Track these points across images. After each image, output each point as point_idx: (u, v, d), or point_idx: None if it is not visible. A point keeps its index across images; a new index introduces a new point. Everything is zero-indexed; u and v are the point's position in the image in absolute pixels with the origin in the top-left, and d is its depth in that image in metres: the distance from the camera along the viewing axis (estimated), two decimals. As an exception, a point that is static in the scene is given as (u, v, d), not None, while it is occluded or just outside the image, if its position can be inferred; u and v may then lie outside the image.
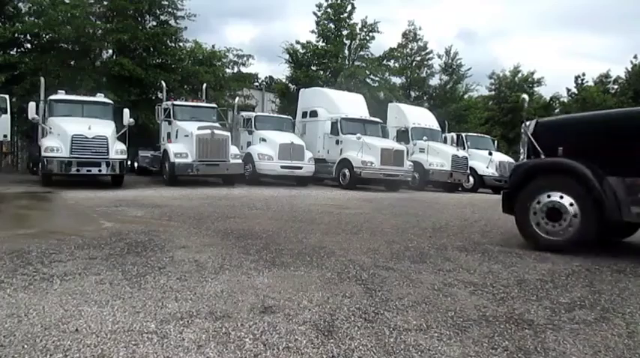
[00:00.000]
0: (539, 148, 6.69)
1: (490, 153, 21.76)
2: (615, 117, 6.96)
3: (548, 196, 6.26)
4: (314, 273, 4.81)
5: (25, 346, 2.88)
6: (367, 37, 31.51)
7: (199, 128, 15.35)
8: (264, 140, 17.52)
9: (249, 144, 17.97)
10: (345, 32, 30.91)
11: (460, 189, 20.93)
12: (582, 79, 40.40)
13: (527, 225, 6.47)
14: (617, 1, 61.62)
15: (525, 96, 8.62)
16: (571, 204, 6.10)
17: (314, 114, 19.86)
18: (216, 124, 16.47)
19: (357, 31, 31.20)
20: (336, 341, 3.14)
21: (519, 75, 40.51)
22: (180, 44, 24.66)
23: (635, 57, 39.43)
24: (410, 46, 36.20)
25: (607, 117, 7.26)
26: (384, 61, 32.70)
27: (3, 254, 5.12)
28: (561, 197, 6.18)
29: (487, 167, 21.34)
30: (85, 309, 3.54)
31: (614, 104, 37.25)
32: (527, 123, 7.12)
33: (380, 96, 29.17)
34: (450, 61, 37.62)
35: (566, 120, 8.48)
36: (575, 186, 6.09)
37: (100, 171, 13.51)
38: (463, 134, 23.53)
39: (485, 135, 26.00)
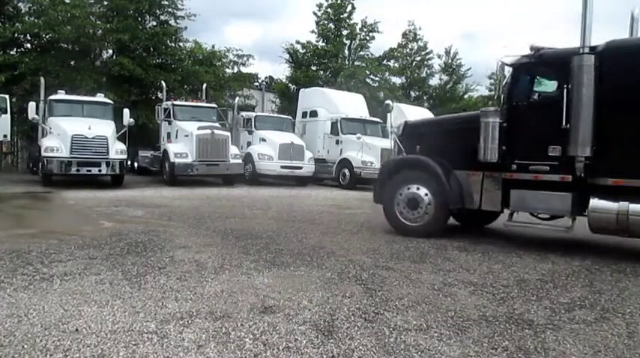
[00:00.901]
0: (401, 146, 7.86)
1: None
2: (457, 119, 8.28)
3: (408, 188, 7.20)
4: (314, 273, 4.81)
5: (25, 346, 2.88)
6: (367, 37, 31.50)
7: (199, 128, 15.35)
8: (264, 140, 17.51)
9: (249, 144, 17.96)
10: (345, 32, 30.88)
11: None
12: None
13: (392, 213, 7.38)
14: (618, 1, 61.68)
15: (389, 101, 9.61)
16: (426, 194, 7.05)
17: (314, 114, 19.84)
18: (216, 124, 16.46)
19: (357, 31, 31.18)
20: (336, 341, 3.14)
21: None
22: (181, 44, 24.64)
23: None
24: (410, 46, 36.18)
25: (450, 119, 8.62)
26: (384, 61, 32.68)
27: (3, 254, 5.12)
28: (418, 188, 7.13)
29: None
30: (85, 309, 3.54)
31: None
32: (399, 124, 8.40)
33: (380, 97, 29.16)
34: (449, 61, 37.60)
35: (424, 122, 10.04)
36: (429, 179, 7.05)
37: (100, 171, 13.51)
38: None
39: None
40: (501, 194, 6.58)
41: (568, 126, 5.88)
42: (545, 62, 6.45)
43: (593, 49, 5.89)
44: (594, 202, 5.88)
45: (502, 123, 6.49)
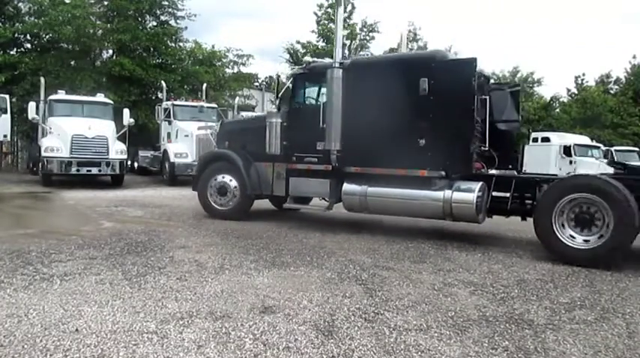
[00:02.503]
0: (214, 142, 9.61)
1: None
2: (253, 119, 10.02)
3: (218, 178, 8.34)
4: (314, 273, 4.81)
5: (25, 346, 2.88)
6: (367, 37, 31.51)
7: (199, 128, 15.34)
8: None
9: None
10: (345, 32, 30.91)
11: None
12: (582, 79, 40.37)
13: (206, 199, 8.46)
14: (619, 1, 61.69)
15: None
16: (231, 181, 8.22)
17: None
18: (216, 124, 16.46)
19: (357, 31, 31.18)
20: (336, 341, 3.14)
21: (518, 75, 40.46)
22: (181, 44, 24.64)
23: (635, 57, 39.46)
24: (410, 46, 36.18)
25: (249, 119, 10.68)
26: (384, 61, 32.68)
27: (3, 254, 5.12)
28: (224, 177, 8.28)
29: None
30: (85, 309, 3.54)
31: (615, 104, 37.25)
32: (220, 122, 10.39)
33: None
34: (449, 61, 37.60)
35: (232, 121, 12.16)
36: (234, 169, 8.20)
37: (100, 171, 13.52)
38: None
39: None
40: (285, 181, 7.80)
41: (325, 125, 7.15)
42: (312, 74, 7.74)
43: (342, 64, 7.21)
44: (345, 186, 7.23)
45: (283, 123, 7.70)
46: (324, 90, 7.47)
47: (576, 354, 3.09)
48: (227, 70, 26.36)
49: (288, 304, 3.82)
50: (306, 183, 7.59)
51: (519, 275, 5.05)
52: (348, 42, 31.42)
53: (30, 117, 14.18)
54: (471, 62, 6.52)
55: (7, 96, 16.29)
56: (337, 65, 7.13)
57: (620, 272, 5.40)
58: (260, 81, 37.05)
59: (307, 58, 8.47)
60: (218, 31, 59.87)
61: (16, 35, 20.97)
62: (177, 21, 23.97)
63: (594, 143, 25.19)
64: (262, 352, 2.93)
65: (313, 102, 7.90)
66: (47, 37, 21.07)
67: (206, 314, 3.54)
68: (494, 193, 6.64)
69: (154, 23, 23.89)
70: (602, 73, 41.16)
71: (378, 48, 32.83)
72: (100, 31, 21.84)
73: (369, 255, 5.76)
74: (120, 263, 4.95)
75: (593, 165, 22.01)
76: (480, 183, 6.50)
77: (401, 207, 6.97)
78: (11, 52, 21.15)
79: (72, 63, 21.33)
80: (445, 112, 6.52)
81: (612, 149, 25.91)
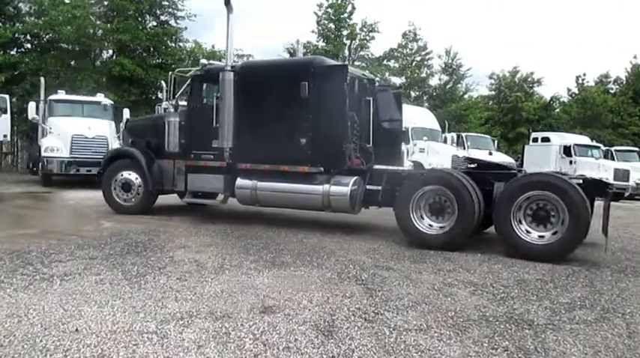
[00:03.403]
0: (121, 140, 9.91)
1: (490, 153, 21.73)
2: (154, 118, 10.16)
3: (122, 174, 8.55)
4: (314, 273, 4.81)
5: (25, 346, 2.88)
6: (367, 37, 31.51)
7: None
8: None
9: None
10: (345, 32, 30.90)
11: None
12: (582, 79, 40.36)
13: (110, 195, 8.64)
14: (619, 1, 61.63)
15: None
16: (137, 179, 8.45)
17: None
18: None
19: (357, 31, 31.19)
20: (336, 341, 3.14)
21: (518, 75, 40.45)
22: (181, 44, 24.66)
23: (635, 57, 39.46)
24: (410, 46, 36.17)
25: (151, 118, 10.98)
26: (384, 61, 32.68)
27: (3, 254, 5.12)
28: (129, 174, 8.50)
29: (487, 167, 21.31)
30: (85, 309, 3.54)
31: (614, 104, 37.23)
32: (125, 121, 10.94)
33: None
34: (450, 61, 37.59)
35: (136, 120, 12.48)
36: (137, 166, 8.44)
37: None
38: (463, 134, 23.52)
39: (486, 135, 25.98)
40: (185, 177, 8.13)
41: (218, 125, 7.51)
42: (207, 76, 8.10)
43: (233, 67, 7.59)
44: (238, 181, 7.62)
45: (181, 122, 8.07)
46: (214, 91, 7.89)
47: (576, 354, 3.09)
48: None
49: (288, 304, 3.82)
50: (203, 178, 8.01)
51: (519, 275, 5.05)
52: (348, 42, 31.46)
53: (30, 117, 14.20)
54: (344, 68, 7.36)
55: (7, 97, 16.30)
56: (229, 69, 7.50)
57: (620, 272, 5.40)
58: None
59: (203, 61, 8.81)
60: (220, 32, 59.81)
61: (16, 35, 20.98)
62: (177, 21, 24.00)
63: (594, 143, 25.19)
64: (262, 352, 2.93)
65: (208, 102, 8.16)
66: (47, 37, 21.09)
67: (206, 314, 3.54)
68: (369, 186, 7.16)
69: (154, 23, 23.90)
70: (602, 73, 41.13)
71: (378, 48, 32.79)
72: (100, 31, 21.85)
73: (369, 255, 5.76)
74: (120, 263, 4.95)
75: (594, 165, 22.04)
76: (355, 178, 7.06)
77: (287, 200, 7.57)
78: (11, 52, 21.17)
79: (72, 63, 21.36)
80: (322, 114, 7.06)
81: (612, 149, 25.92)
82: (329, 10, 30.69)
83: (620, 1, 59.18)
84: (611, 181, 20.65)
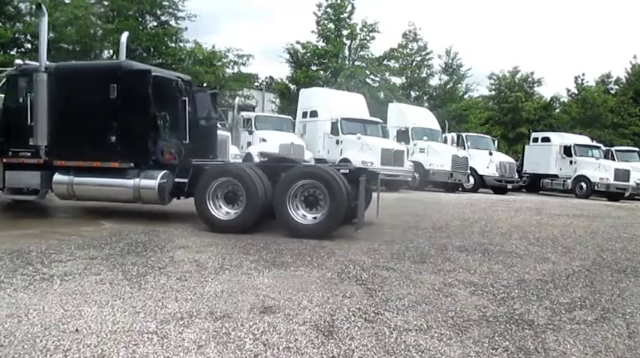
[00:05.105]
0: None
1: (490, 153, 21.74)
2: None
3: None
4: (314, 273, 4.81)
5: (25, 346, 2.88)
6: (367, 37, 31.49)
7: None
8: (264, 140, 17.49)
9: (249, 144, 17.93)
10: (345, 32, 30.89)
11: (460, 189, 20.89)
12: (582, 79, 40.34)
13: None
14: (619, 1, 61.68)
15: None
16: None
17: (314, 114, 19.83)
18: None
19: (357, 31, 31.17)
20: (336, 341, 3.14)
21: (518, 75, 40.44)
22: (181, 44, 24.66)
23: (635, 57, 39.45)
24: (410, 46, 36.17)
25: None
26: (384, 61, 32.67)
27: (3, 254, 5.12)
28: None
29: (487, 167, 21.32)
30: (85, 309, 3.54)
31: (615, 104, 37.22)
32: None
33: (380, 97, 29.14)
34: (450, 61, 37.60)
35: None
36: None
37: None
38: (463, 134, 23.53)
39: (486, 135, 25.98)
40: (3, 174, 8.27)
41: (33, 123, 7.71)
42: (23, 75, 8.25)
43: (47, 68, 7.79)
44: (55, 177, 7.85)
45: None
46: (30, 90, 8.04)
47: (576, 354, 3.08)
48: (227, 70, 26.38)
49: (288, 304, 3.82)
50: (20, 175, 8.24)
51: (519, 276, 5.05)
52: (348, 42, 31.44)
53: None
54: (148, 72, 7.91)
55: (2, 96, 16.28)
56: (42, 69, 7.71)
57: (620, 272, 5.40)
58: (260, 81, 37.04)
59: (18, 61, 8.85)
60: (222, 32, 59.93)
61: (16, 35, 20.98)
62: (178, 21, 24.00)
63: (594, 143, 25.19)
64: (262, 352, 2.93)
65: (24, 101, 8.21)
66: (48, 37, 21.10)
67: (206, 314, 3.54)
68: (177, 179, 7.65)
69: (155, 24, 23.91)
70: (604, 73, 41.13)
71: (378, 48, 32.78)
72: (101, 32, 21.86)
73: (369, 255, 5.76)
74: (120, 263, 4.95)
75: (594, 165, 22.02)
76: (164, 171, 7.60)
77: (101, 193, 7.99)
78: (11, 52, 21.16)
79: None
80: (130, 113, 7.62)
81: (613, 149, 25.91)
82: (328, 10, 30.68)
83: (620, 1, 59.20)
84: (604, 179, 20.73)
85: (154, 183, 7.49)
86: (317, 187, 6.77)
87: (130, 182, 7.56)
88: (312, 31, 30.94)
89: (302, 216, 6.81)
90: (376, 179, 8.26)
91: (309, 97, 20.90)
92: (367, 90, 26.80)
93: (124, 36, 9.51)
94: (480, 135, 25.92)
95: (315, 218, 6.78)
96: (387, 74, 32.91)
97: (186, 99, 8.20)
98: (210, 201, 7.04)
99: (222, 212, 7.08)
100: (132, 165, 7.65)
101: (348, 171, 7.28)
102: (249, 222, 6.90)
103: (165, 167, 7.71)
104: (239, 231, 6.72)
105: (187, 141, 8.15)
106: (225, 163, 9.07)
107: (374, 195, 8.17)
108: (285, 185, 6.83)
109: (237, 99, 22.79)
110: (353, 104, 20.21)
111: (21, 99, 8.29)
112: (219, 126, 10.31)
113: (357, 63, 31.52)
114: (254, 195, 6.82)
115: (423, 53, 36.51)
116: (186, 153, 8.11)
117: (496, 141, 25.11)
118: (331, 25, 30.83)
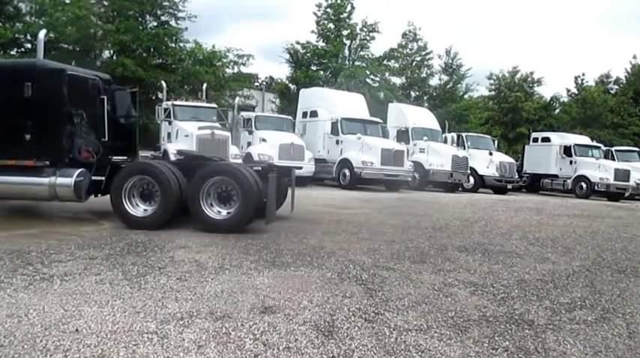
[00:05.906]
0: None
1: (490, 153, 21.75)
2: None
3: None
4: (314, 273, 4.81)
5: (25, 346, 2.88)
6: (367, 38, 31.51)
7: (199, 128, 15.34)
8: (264, 140, 17.50)
9: (249, 144, 17.94)
10: (345, 32, 30.91)
11: (460, 189, 20.90)
12: (582, 79, 40.35)
13: None
14: (619, 1, 61.71)
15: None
16: None
17: (314, 114, 19.84)
18: (217, 124, 16.45)
19: (357, 31, 31.19)
20: (336, 341, 3.14)
21: (518, 75, 40.44)
22: (181, 44, 24.67)
23: (635, 57, 39.45)
24: (410, 46, 36.19)
25: None
26: (384, 61, 32.68)
27: (3, 254, 5.12)
28: None
29: (487, 167, 21.33)
30: (85, 309, 3.54)
31: (615, 104, 37.23)
32: None
33: (380, 97, 29.15)
34: (450, 61, 37.62)
35: None
36: None
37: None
38: (463, 134, 23.54)
39: (486, 135, 25.99)
40: None
41: None
42: None
43: None
44: None
45: None
46: None
47: (576, 354, 3.09)
48: (227, 70, 26.40)
49: (288, 304, 3.82)
50: None
51: (519, 276, 5.05)
52: (348, 42, 31.46)
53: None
54: (62, 70, 7.84)
55: None
56: None
57: (620, 272, 5.40)
58: (260, 81, 37.04)
59: None
60: (222, 32, 59.98)
61: (16, 35, 20.98)
62: (178, 22, 24.01)
63: (594, 143, 25.19)
64: (262, 352, 2.93)
65: None
66: (48, 37, 21.09)
67: (206, 314, 3.54)
68: (95, 177, 7.68)
69: (155, 24, 23.92)
70: (603, 73, 41.15)
71: (378, 48, 32.77)
72: (101, 32, 21.87)
73: (369, 255, 5.76)
74: (120, 263, 4.94)
75: (594, 165, 22.03)
76: (80, 170, 7.56)
77: (17, 192, 7.95)
78: (11, 52, 21.17)
79: (73, 63, 21.36)
80: (44, 112, 7.61)
81: (613, 149, 25.92)
82: (328, 10, 30.70)
83: (621, 2, 59.18)
84: (604, 179, 20.69)
85: (69, 180, 7.47)
86: (229, 184, 6.93)
87: (45, 180, 7.53)
88: (312, 31, 30.99)
89: (217, 211, 6.97)
90: (291, 175, 8.48)
91: (309, 97, 20.91)
92: (367, 91, 26.82)
93: (42, 33, 9.47)
94: (480, 135, 25.93)
95: (229, 213, 6.94)
96: (387, 74, 32.93)
97: (105, 97, 8.24)
98: (126, 199, 7.11)
99: (140, 209, 7.12)
100: (47, 163, 7.63)
101: (260, 168, 7.56)
102: (165, 218, 6.98)
103: (82, 165, 7.73)
104: (155, 228, 6.79)
105: (106, 139, 8.19)
106: (142, 161, 9.14)
107: (291, 190, 8.42)
108: (199, 182, 6.94)
109: (237, 99, 22.80)
110: (353, 104, 20.21)
111: None
112: (144, 123, 10.25)
113: (357, 63, 31.54)
114: (169, 192, 6.91)
115: (423, 53, 36.55)
116: (105, 152, 8.17)
117: (496, 141, 25.11)
118: (331, 25, 30.86)
